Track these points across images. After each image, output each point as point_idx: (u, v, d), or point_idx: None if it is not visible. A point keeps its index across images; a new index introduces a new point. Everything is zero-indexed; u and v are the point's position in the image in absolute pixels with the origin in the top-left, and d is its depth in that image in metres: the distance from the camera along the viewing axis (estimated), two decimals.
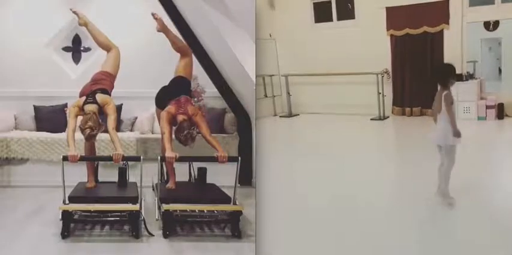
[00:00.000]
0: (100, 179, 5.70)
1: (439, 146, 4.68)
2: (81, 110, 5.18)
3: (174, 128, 5.25)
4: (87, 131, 4.98)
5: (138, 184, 4.98)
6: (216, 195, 5.19)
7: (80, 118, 5.14)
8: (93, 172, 5.56)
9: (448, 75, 4.62)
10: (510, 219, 4.38)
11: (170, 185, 5.50)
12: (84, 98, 5.26)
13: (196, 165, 5.79)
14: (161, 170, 5.64)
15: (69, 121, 5.22)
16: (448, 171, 4.64)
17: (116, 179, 5.63)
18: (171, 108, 5.33)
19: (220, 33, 5.84)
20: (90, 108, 5.15)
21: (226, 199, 4.96)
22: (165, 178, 5.74)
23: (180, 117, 5.23)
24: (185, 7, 6.18)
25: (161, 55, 7.23)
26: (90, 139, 5.09)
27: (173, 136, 5.19)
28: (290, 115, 11.52)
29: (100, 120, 5.12)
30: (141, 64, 7.30)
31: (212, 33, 6.00)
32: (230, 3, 5.57)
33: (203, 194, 5.35)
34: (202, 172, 5.63)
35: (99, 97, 5.25)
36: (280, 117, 11.55)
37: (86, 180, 5.48)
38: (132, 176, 5.70)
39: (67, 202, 4.73)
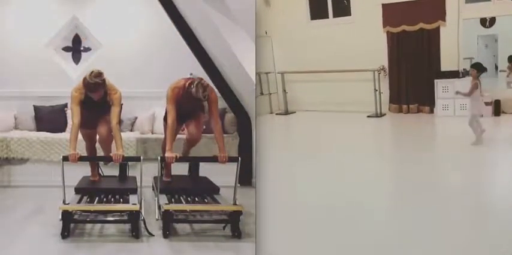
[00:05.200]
0: None
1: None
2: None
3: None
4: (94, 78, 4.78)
5: (138, 179, 5.12)
6: (206, 185, 5.57)
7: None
8: (96, 166, 5.71)
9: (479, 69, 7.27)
10: (509, 215, 4.45)
11: (166, 178, 5.75)
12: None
13: None
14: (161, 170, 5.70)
15: (72, 110, 4.97)
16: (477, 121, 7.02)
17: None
18: (179, 80, 5.10)
19: (220, 33, 5.84)
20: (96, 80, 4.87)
21: (215, 189, 5.38)
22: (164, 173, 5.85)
23: (191, 81, 4.94)
24: (185, 7, 6.18)
25: (161, 55, 7.26)
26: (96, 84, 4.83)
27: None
28: (286, 112, 11.54)
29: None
30: (142, 64, 7.31)
31: (212, 33, 5.99)
32: (230, 2, 5.58)
33: (195, 184, 5.70)
34: (195, 165, 5.86)
35: (108, 81, 5.00)
36: (276, 114, 11.56)
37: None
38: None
39: (67, 201, 4.73)
